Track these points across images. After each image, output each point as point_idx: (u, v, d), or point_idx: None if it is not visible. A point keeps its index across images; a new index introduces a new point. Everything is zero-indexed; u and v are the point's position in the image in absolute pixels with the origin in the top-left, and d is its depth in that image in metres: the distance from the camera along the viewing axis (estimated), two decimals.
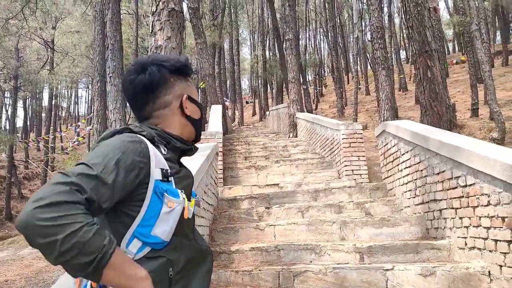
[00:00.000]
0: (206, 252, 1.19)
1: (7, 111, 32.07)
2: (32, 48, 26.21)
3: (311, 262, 3.56)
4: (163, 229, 1.02)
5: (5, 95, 31.13)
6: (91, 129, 15.70)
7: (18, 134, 28.02)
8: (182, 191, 1.09)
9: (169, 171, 1.07)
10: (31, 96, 35.08)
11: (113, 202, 0.97)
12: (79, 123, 27.37)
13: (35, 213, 0.82)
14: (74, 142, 19.93)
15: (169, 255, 1.04)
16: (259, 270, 3.34)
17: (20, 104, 31.92)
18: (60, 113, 43.85)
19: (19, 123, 36.48)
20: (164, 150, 1.13)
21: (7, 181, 19.86)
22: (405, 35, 28.21)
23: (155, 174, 1.03)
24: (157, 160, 1.05)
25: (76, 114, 50.10)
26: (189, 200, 1.12)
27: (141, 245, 1.01)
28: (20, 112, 37.96)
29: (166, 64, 1.19)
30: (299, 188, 5.83)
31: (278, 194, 5.39)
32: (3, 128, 30.55)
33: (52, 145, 25.32)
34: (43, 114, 36.73)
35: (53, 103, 30.88)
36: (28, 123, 39.09)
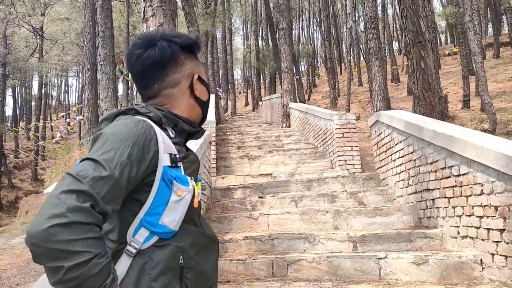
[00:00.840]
0: (214, 240, 1.14)
1: None
2: (20, 35, 25.70)
3: (304, 251, 3.57)
4: (172, 218, 0.97)
5: None
6: (81, 119, 15.51)
7: (7, 123, 27.62)
8: (191, 178, 1.03)
9: (178, 156, 1.01)
10: (20, 84, 34.52)
11: (125, 197, 0.94)
12: (69, 111, 27.07)
13: (50, 233, 0.77)
14: (63, 131, 19.68)
15: (177, 242, 0.99)
16: (253, 259, 3.35)
17: (9, 92, 31.45)
18: (50, 101, 43.27)
19: (9, 111, 35.95)
20: (172, 133, 1.06)
21: None
22: (398, 26, 28.23)
23: (164, 160, 0.98)
24: (165, 145, 1.00)
25: (67, 103, 49.49)
26: (195, 183, 1.08)
27: (149, 234, 0.96)
28: (9, 101, 37.37)
29: (176, 40, 1.11)
30: (292, 178, 5.84)
31: (271, 184, 5.39)
32: None
33: (42, 134, 25.03)
34: (33, 103, 36.25)
35: (43, 91, 30.45)
36: (18, 112, 38.51)
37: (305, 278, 3.14)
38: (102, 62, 9.74)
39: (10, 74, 24.62)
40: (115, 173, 0.88)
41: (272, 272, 3.26)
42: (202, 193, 1.16)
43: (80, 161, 0.91)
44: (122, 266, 0.95)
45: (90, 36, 11.52)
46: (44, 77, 29.76)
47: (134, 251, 0.96)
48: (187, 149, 1.13)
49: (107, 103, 9.64)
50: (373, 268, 3.10)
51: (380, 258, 3.12)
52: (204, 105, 1.17)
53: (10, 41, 23.77)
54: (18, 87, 37.10)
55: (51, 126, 29.03)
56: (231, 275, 3.25)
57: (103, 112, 9.65)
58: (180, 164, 1.01)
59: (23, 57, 24.54)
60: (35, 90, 36.44)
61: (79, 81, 45.82)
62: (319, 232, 3.69)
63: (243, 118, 18.91)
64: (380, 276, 3.07)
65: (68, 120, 24.20)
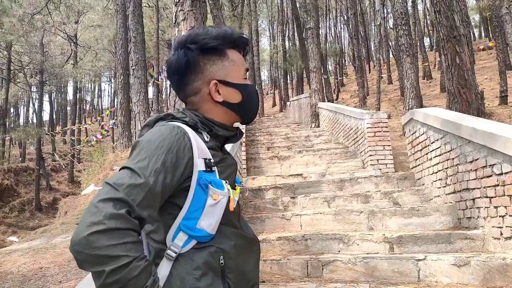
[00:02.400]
0: (254, 241, 1.13)
1: (34, 105, 32.96)
2: (56, 43, 26.77)
3: (339, 251, 3.53)
4: (209, 222, 0.99)
5: (32, 89, 32.00)
6: (114, 123, 15.97)
7: (45, 128, 28.83)
8: (226, 182, 1.03)
9: (212, 160, 1.02)
10: (56, 90, 35.97)
11: (161, 204, 0.96)
12: (103, 115, 27.93)
13: (90, 240, 0.82)
14: (98, 137, 20.39)
15: (217, 243, 1.01)
16: (287, 259, 3.34)
17: (46, 98, 32.75)
18: (84, 106, 44.87)
19: (46, 116, 37.49)
20: (207, 137, 1.06)
21: (36, 173, 20.50)
22: (429, 21, 27.43)
23: (199, 165, 0.99)
24: (200, 150, 1.01)
25: (100, 107, 51.14)
26: (233, 188, 1.08)
27: (187, 238, 0.98)
28: (46, 106, 38.97)
29: (193, 46, 1.09)
30: (323, 178, 5.78)
31: (302, 184, 5.36)
32: (31, 122, 31.49)
33: (78, 137, 25.96)
34: (68, 108, 37.67)
35: (77, 96, 31.63)
36: (54, 117, 40.14)
37: (341, 279, 3.11)
38: (134, 67, 10.01)
39: (47, 81, 25.69)
40: (150, 181, 0.91)
41: (307, 273, 3.24)
42: (241, 195, 1.16)
43: (119, 170, 0.95)
44: (164, 269, 0.97)
45: (122, 42, 11.86)
46: (78, 83, 30.88)
47: (173, 255, 0.98)
48: (224, 153, 1.13)
49: (139, 107, 9.89)
50: (411, 270, 3.03)
51: (419, 260, 3.04)
52: (235, 107, 1.12)
53: (46, 49, 24.80)
54: (54, 93, 38.68)
55: (86, 129, 30.08)
56: (266, 275, 3.26)
57: (135, 115, 9.91)
58: (214, 168, 1.02)
59: (59, 64, 25.58)
60: (70, 96, 37.86)
61: (111, 86, 47.23)
62: (354, 233, 3.64)
63: (271, 119, 18.91)
64: (419, 278, 3.00)
65: (102, 123, 25.00)
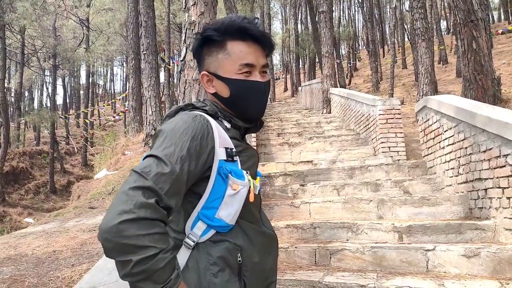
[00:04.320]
0: (273, 237, 1.12)
1: (47, 89, 33.36)
2: (68, 27, 26.88)
3: (347, 240, 3.53)
4: (228, 212, 0.98)
5: (45, 73, 32.31)
6: (126, 107, 16.07)
7: (58, 111, 29.19)
8: (247, 172, 1.02)
9: (234, 150, 1.02)
10: (69, 74, 36.25)
11: (186, 191, 0.97)
12: (117, 98, 28.12)
13: (119, 229, 0.81)
14: (115, 117, 20.59)
15: (235, 240, 1.00)
16: (295, 247, 3.35)
17: (59, 82, 33.11)
18: (97, 90, 45.20)
19: (59, 100, 37.97)
20: (228, 125, 1.07)
21: (50, 156, 20.87)
22: (446, 4, 26.67)
23: (220, 154, 0.99)
24: (222, 139, 1.01)
25: (112, 91, 51.48)
26: (254, 178, 1.07)
27: (206, 228, 0.98)
28: (60, 90, 39.45)
29: (199, 36, 1.11)
30: (333, 165, 5.75)
31: (312, 171, 5.33)
32: (44, 106, 31.91)
33: (91, 120, 26.25)
34: (81, 92, 38.01)
35: (90, 80, 31.84)
36: (68, 101, 40.59)
37: (349, 268, 3.11)
38: (145, 52, 9.99)
39: (60, 65, 25.88)
40: (176, 168, 0.90)
41: (315, 261, 3.25)
42: (263, 190, 1.14)
43: (144, 158, 0.94)
44: (182, 257, 0.98)
45: (133, 26, 11.82)
46: (91, 67, 31.05)
47: (192, 243, 0.98)
48: (246, 143, 1.12)
49: (150, 92, 9.90)
50: (420, 260, 3.01)
51: (428, 250, 3.01)
52: (226, 102, 1.09)
53: (59, 33, 24.91)
54: (67, 77, 39.00)
55: (99, 112, 30.37)
56: None
57: (146, 100, 9.93)
58: (236, 158, 1.01)
59: (71, 47, 25.69)
60: (83, 80, 38.15)
61: (123, 70, 47.42)
62: (363, 222, 3.62)
63: (282, 104, 18.80)
64: (427, 268, 2.98)
65: (117, 106, 25.15)
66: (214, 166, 0.98)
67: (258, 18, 1.14)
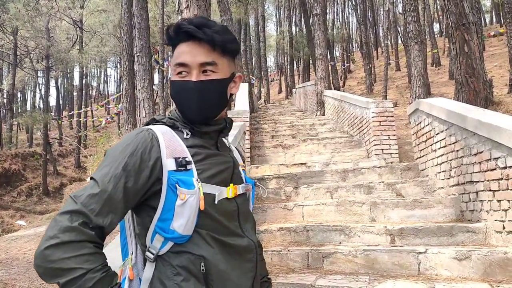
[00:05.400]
0: (248, 249, 1.07)
1: (40, 90, 33.10)
2: (61, 28, 26.68)
3: (340, 243, 3.54)
4: (180, 223, 0.96)
5: (38, 74, 32.08)
6: (120, 109, 16.01)
7: (51, 113, 28.98)
8: (198, 180, 0.98)
9: (186, 159, 0.99)
10: (63, 75, 36.03)
11: (129, 208, 0.98)
12: (109, 99, 27.99)
13: (45, 254, 0.86)
14: (107, 119, 20.48)
15: (196, 250, 0.97)
16: (288, 250, 3.35)
17: (52, 83, 32.83)
18: (90, 92, 44.94)
19: (52, 102, 37.66)
20: (187, 135, 1.05)
21: (43, 158, 20.69)
22: (439, 7, 26.89)
23: (168, 165, 0.97)
24: (170, 149, 0.99)
25: (106, 93, 51.23)
26: (225, 185, 1.04)
27: (164, 240, 0.98)
28: (53, 92, 39.14)
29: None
30: (327, 168, 5.77)
31: (305, 174, 5.35)
32: (37, 107, 31.68)
33: (84, 123, 26.11)
34: (74, 93, 37.79)
35: (83, 82, 31.65)
36: (61, 102, 40.29)
37: (341, 271, 3.11)
38: (138, 54, 9.95)
39: (53, 66, 25.71)
40: (108, 188, 0.92)
41: (307, 264, 3.26)
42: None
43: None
44: (147, 271, 1.00)
45: (127, 28, 11.76)
46: (84, 68, 30.86)
47: (152, 256, 0.99)
48: (220, 149, 1.09)
49: (143, 94, 9.86)
50: (412, 263, 3.03)
51: (420, 253, 3.03)
52: (175, 101, 1.08)
53: (52, 34, 24.74)
54: (61, 78, 38.75)
55: (92, 113, 30.21)
56: (266, 266, 3.27)
57: (140, 102, 9.89)
58: (190, 166, 0.99)
59: (65, 49, 25.53)
60: (76, 81, 37.94)
61: (117, 72, 47.22)
62: (355, 224, 3.63)
63: (277, 106, 18.81)
64: (419, 271, 2.99)
65: (110, 107, 25.01)
66: (164, 178, 0.97)
67: (207, 19, 1.08)
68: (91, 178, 0.95)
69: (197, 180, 0.99)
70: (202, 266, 0.97)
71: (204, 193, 0.98)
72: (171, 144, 1.00)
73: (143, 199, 0.99)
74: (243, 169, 1.18)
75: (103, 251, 0.93)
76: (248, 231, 1.10)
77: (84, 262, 0.86)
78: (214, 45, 1.04)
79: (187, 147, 1.02)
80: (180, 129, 1.06)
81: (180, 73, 1.05)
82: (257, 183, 1.20)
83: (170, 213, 0.97)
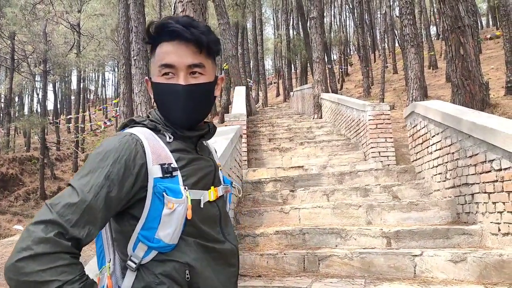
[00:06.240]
0: (231, 253, 1.06)
1: (38, 94, 33.08)
2: (59, 32, 26.70)
3: (336, 246, 3.53)
4: (166, 232, 0.93)
5: (36, 79, 32.07)
6: (117, 113, 15.99)
7: (49, 117, 28.92)
8: (186, 188, 0.96)
9: (172, 165, 0.95)
10: (60, 79, 35.97)
11: (110, 217, 0.93)
12: (108, 104, 27.96)
13: (18, 267, 0.80)
14: (105, 123, 20.45)
15: (180, 258, 0.95)
16: (284, 253, 3.34)
17: (50, 87, 32.81)
18: (88, 95, 44.92)
19: (50, 106, 37.62)
20: (170, 138, 1.01)
21: (40, 162, 20.64)
22: (436, 10, 27.01)
23: (154, 172, 0.94)
24: (156, 155, 0.95)
25: (104, 96, 51.19)
26: (207, 189, 1.02)
27: (147, 249, 0.95)
28: (51, 96, 39.15)
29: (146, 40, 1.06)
30: (324, 171, 5.76)
31: (302, 177, 5.34)
32: (35, 111, 31.63)
33: (81, 125, 26.06)
34: (72, 97, 37.76)
35: (81, 86, 31.65)
36: (59, 106, 40.23)
37: (337, 274, 3.11)
38: (135, 57, 9.96)
39: (51, 70, 25.70)
40: (88, 197, 0.87)
41: (303, 267, 3.25)
42: (235, 194, 1.10)
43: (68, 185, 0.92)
44: (127, 281, 0.95)
45: (124, 32, 11.78)
46: (82, 72, 30.87)
47: (133, 265, 0.95)
48: (200, 153, 1.06)
49: (140, 97, 9.87)
50: (407, 266, 3.02)
51: (415, 255, 3.03)
52: (159, 106, 1.03)
53: (49, 38, 24.74)
54: (58, 82, 38.68)
55: (90, 117, 30.17)
56: (262, 269, 3.27)
57: (137, 106, 9.90)
58: (176, 173, 0.96)
59: (62, 53, 25.53)
60: (74, 85, 37.93)
61: (115, 76, 47.22)
62: (351, 227, 3.63)
63: (274, 109, 18.83)
64: (415, 273, 2.99)
65: (109, 111, 24.96)
66: (150, 186, 0.94)
67: (193, 19, 1.05)
68: (69, 185, 0.90)
69: (185, 188, 0.96)
70: (187, 274, 0.95)
71: (191, 200, 0.96)
72: (156, 150, 0.96)
73: (125, 208, 0.95)
74: (220, 169, 1.16)
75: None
76: (230, 235, 1.08)
77: (60, 274, 0.81)
78: (201, 46, 1.01)
79: (171, 151, 0.99)
80: (162, 132, 1.01)
81: (166, 74, 1.00)
82: (234, 184, 1.17)
83: (155, 221, 0.94)
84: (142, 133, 0.98)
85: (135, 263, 0.95)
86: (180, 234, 0.96)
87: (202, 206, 0.99)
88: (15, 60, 23.65)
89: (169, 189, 0.94)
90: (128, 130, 1.00)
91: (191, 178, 0.99)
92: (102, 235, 1.03)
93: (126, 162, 0.92)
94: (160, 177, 0.94)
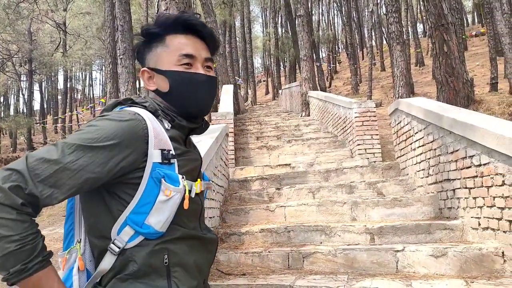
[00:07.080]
0: (211, 241, 1.07)
1: (23, 94, 32.56)
2: (44, 31, 26.34)
3: (321, 243, 3.55)
4: (158, 219, 0.91)
5: (21, 78, 31.56)
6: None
7: (35, 117, 28.54)
8: (183, 177, 0.95)
9: (171, 152, 0.95)
10: (47, 79, 35.49)
11: (80, 190, 0.89)
12: (96, 102, 27.69)
13: None
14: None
15: (162, 244, 0.94)
16: (269, 251, 3.35)
17: (36, 87, 32.34)
18: (75, 95, 44.38)
19: (36, 106, 37.06)
20: (168, 126, 1.00)
21: None
22: (422, 7, 27.26)
23: (154, 156, 0.92)
24: (158, 139, 0.93)
25: (91, 96, 50.60)
26: (194, 181, 1.01)
27: (134, 234, 0.92)
28: (37, 96, 38.56)
29: (140, 34, 1.07)
30: (310, 168, 5.79)
31: (289, 175, 5.36)
32: (20, 112, 31.16)
33: (69, 124, 25.76)
34: (59, 97, 37.26)
35: (68, 85, 31.27)
36: (45, 106, 39.63)
37: (321, 271, 3.13)
38: (121, 56, 9.87)
39: (37, 70, 25.33)
40: (66, 159, 0.84)
41: (288, 265, 3.27)
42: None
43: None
44: (106, 263, 0.93)
45: (110, 30, 11.67)
46: (68, 72, 30.50)
47: (117, 249, 0.92)
48: (188, 146, 1.07)
49: (127, 97, 9.79)
50: (390, 261, 3.06)
51: (398, 251, 3.07)
52: (167, 98, 1.03)
53: (35, 37, 24.38)
54: (45, 82, 38.13)
55: (77, 116, 29.84)
56: (247, 267, 3.27)
57: None
58: (174, 161, 0.95)
59: (48, 52, 25.18)
60: (60, 85, 37.44)
61: (102, 75, 46.73)
62: (336, 224, 3.65)
63: (263, 107, 18.84)
64: (397, 269, 3.03)
65: (97, 110, 24.72)
66: (147, 169, 0.91)
67: (199, 14, 1.09)
68: (55, 144, 0.87)
69: (182, 178, 0.95)
70: (166, 259, 0.94)
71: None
72: (158, 135, 0.95)
73: (112, 188, 0.92)
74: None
75: None
76: (205, 229, 1.08)
77: (3, 228, 0.77)
78: (211, 44, 1.07)
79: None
80: (160, 118, 1.00)
81: (186, 64, 1.02)
82: (210, 182, 1.17)
83: (148, 207, 0.92)
84: (145, 115, 0.96)
85: (119, 247, 0.92)
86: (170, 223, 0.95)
87: (193, 196, 0.99)
88: (0, 60, 23.25)
89: (168, 176, 0.93)
90: (132, 109, 0.97)
91: (184, 168, 0.98)
92: (74, 215, 1.01)
93: (128, 140, 0.90)
94: (159, 163, 0.93)
